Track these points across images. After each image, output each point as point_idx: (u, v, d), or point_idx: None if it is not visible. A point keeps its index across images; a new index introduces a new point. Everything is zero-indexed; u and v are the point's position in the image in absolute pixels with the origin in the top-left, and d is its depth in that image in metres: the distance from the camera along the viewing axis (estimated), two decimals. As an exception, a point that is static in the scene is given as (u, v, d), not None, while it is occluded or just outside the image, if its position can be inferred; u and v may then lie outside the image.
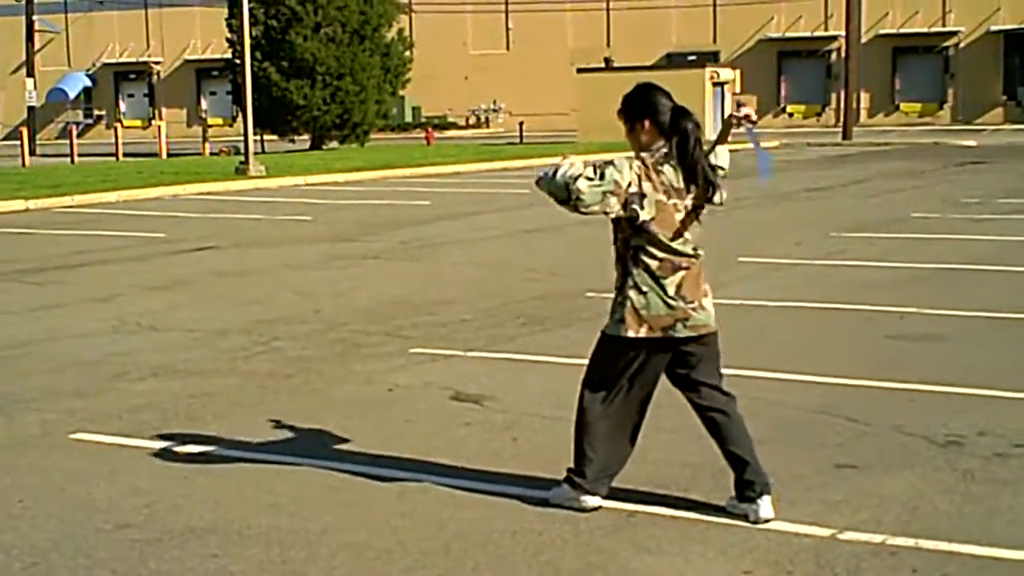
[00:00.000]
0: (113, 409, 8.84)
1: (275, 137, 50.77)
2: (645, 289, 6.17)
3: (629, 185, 6.10)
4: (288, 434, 8.08)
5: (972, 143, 45.49)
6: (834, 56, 70.95)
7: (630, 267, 6.22)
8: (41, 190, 27.45)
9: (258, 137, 50.48)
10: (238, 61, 49.01)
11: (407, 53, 51.21)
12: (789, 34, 71.42)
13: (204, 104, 78.79)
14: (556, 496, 6.55)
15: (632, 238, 6.18)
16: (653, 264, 6.16)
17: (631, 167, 6.15)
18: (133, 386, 9.58)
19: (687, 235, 6.22)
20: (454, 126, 71.54)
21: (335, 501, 6.72)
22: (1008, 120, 66.40)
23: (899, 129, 61.70)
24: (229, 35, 49.24)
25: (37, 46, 62.36)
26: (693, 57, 67.31)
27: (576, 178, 6.08)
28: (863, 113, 66.59)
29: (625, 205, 6.11)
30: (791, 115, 71.64)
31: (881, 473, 7.05)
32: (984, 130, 59.03)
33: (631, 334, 6.23)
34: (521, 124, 56.40)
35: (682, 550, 5.93)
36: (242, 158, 33.45)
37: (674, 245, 6.16)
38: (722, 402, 6.46)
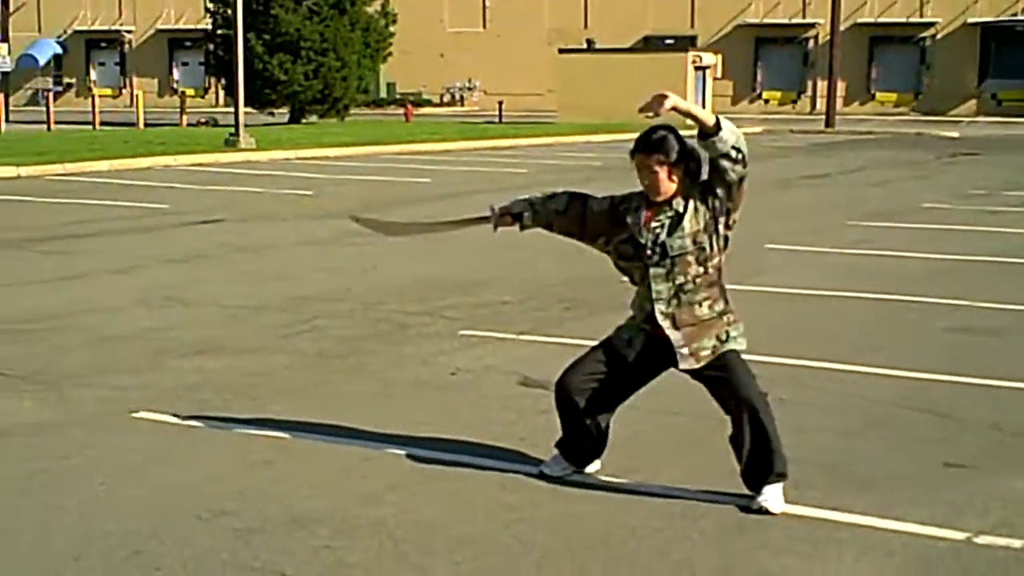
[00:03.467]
0: (168, 387, 8.52)
1: (252, 110, 50.17)
2: None
3: None
4: (361, 418, 7.76)
5: (955, 134, 45.49)
6: (811, 43, 70.95)
7: (723, 282, 6.26)
8: (28, 157, 26.91)
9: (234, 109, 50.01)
10: (218, 32, 48.63)
11: (389, 28, 50.70)
12: (767, 20, 71.31)
13: (176, 74, 78.02)
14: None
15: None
16: None
17: None
18: (181, 363, 9.25)
19: None
20: (428, 103, 71.06)
21: (435, 491, 6.43)
22: (981, 112, 66.56)
23: (876, 118, 61.71)
24: (210, 5, 48.67)
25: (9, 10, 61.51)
26: (670, 41, 67.11)
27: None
28: (839, 101, 66.51)
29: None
30: (767, 102, 71.58)
31: (993, 474, 6.79)
32: (960, 121, 59.11)
33: None
34: (500, 103, 56.03)
35: (816, 551, 5.67)
36: (232, 130, 32.94)
37: None
38: None
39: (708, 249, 6.10)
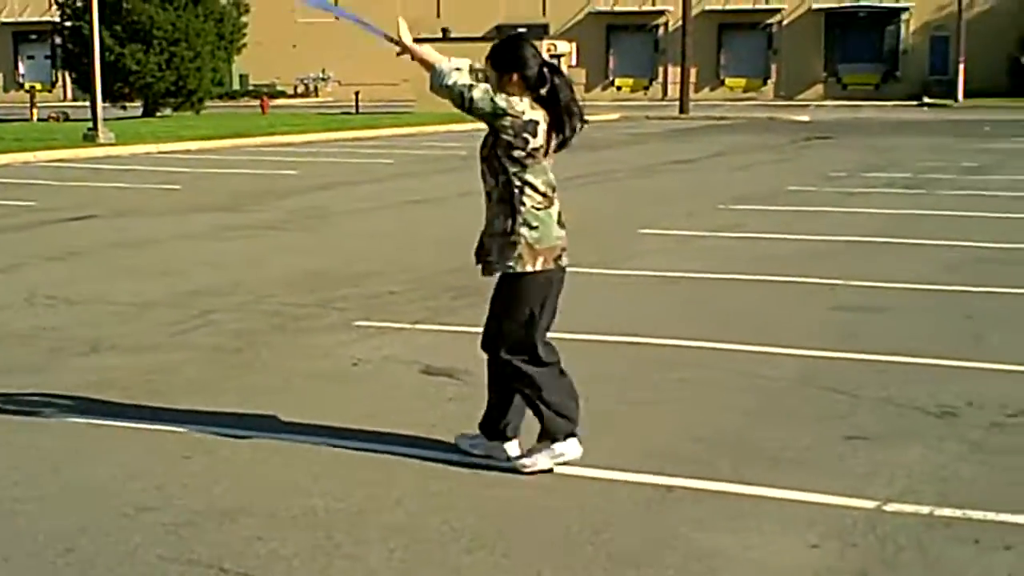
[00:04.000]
0: (70, 385, 8.42)
1: (105, 103, 49.30)
2: (536, 224, 6.28)
3: (523, 112, 6.21)
4: (272, 411, 7.76)
5: (806, 118, 46.54)
6: (660, 31, 71.99)
7: (517, 205, 6.29)
8: None
9: (88, 103, 49.06)
10: (67, 24, 47.71)
11: (242, 18, 50.26)
12: (617, 8, 72.17)
13: (22, 68, 76.31)
14: (537, 460, 6.58)
15: (518, 173, 6.27)
16: (537, 197, 6.29)
17: (521, 99, 6.24)
18: (79, 361, 9.16)
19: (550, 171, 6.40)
20: (282, 95, 70.61)
21: (357, 480, 6.49)
22: (828, 96, 68.21)
23: (726, 104, 62.80)
24: (58, -3, 47.77)
25: None
26: (523, 29, 67.52)
27: (471, 87, 6.19)
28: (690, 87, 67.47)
29: (517, 132, 6.20)
30: (619, 88, 72.50)
31: (892, 444, 7.06)
32: (808, 106, 60.42)
33: (537, 267, 6.34)
34: (357, 94, 55.91)
35: (741, 524, 5.85)
36: (89, 125, 32.38)
37: (550, 177, 6.35)
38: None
39: (496, 165, 6.32)
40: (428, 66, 6.29)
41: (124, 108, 49.14)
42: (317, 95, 73.47)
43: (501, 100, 6.20)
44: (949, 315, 10.69)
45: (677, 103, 51.87)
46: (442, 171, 25.09)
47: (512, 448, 6.72)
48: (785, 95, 69.04)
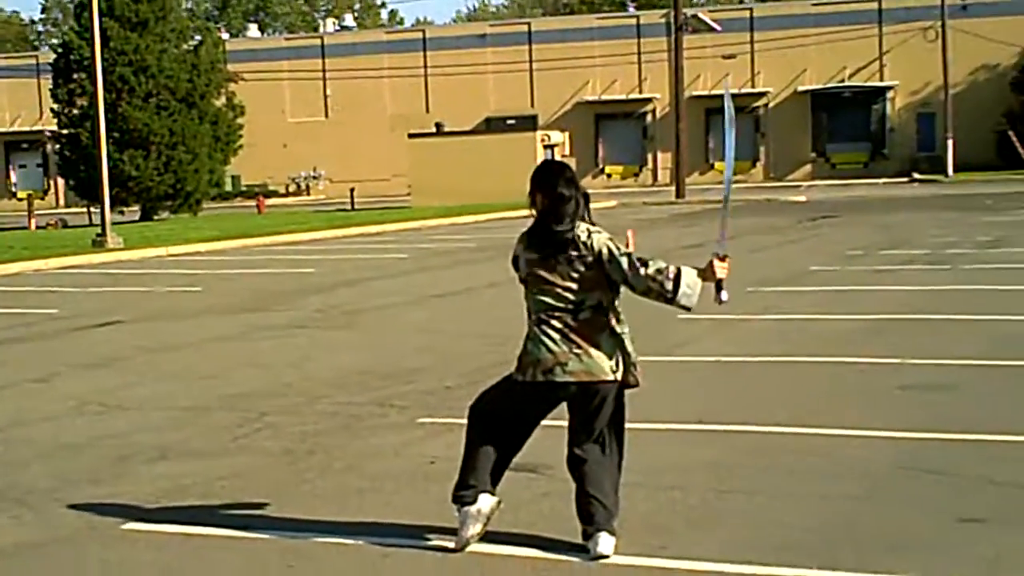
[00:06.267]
0: (146, 495, 8.23)
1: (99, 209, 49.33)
2: (531, 336, 6.71)
3: (515, 255, 6.86)
4: (359, 513, 7.58)
5: (803, 199, 46.70)
6: (648, 118, 72.40)
7: (526, 318, 6.77)
8: None
9: (85, 209, 49.15)
10: (64, 132, 47.87)
11: (238, 120, 50.45)
12: (605, 97, 72.60)
13: (14, 177, 76.46)
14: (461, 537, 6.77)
15: (525, 294, 6.79)
16: (534, 316, 6.73)
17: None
18: (147, 469, 8.97)
19: (560, 290, 6.66)
20: (275, 194, 70.68)
21: (476, 583, 6.33)
22: (817, 176, 68.45)
23: (717, 187, 62.95)
24: (55, 105, 47.92)
25: None
26: (512, 121, 67.89)
27: None
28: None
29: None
30: (609, 176, 72.69)
31: (1009, 526, 6.90)
32: (800, 186, 60.64)
33: (518, 377, 6.74)
34: (352, 190, 55.99)
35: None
36: (97, 231, 32.32)
37: (545, 300, 6.66)
38: (590, 452, 6.81)
39: None
40: None
41: (122, 212, 49.07)
42: (309, 193, 73.61)
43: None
44: (1020, 390, 10.55)
45: (668, 188, 51.98)
46: (458, 264, 25.04)
47: (602, 543, 6.61)
48: (775, 176, 69.31)
